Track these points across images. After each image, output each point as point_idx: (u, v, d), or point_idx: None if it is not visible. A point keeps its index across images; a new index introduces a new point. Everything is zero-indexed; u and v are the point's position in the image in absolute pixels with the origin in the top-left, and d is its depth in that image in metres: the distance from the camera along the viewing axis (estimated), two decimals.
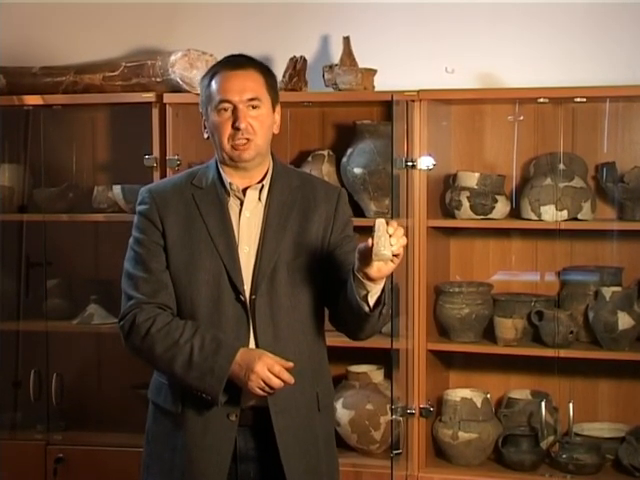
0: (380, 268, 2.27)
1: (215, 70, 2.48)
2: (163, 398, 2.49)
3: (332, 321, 2.54)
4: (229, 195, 2.48)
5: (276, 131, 2.54)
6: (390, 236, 2.23)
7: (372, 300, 2.32)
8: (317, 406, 2.51)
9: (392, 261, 2.26)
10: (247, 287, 2.44)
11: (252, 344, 2.42)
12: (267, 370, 2.32)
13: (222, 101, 2.42)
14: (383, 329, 3.64)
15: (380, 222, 2.23)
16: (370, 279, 2.29)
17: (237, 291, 2.42)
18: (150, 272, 2.44)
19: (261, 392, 2.34)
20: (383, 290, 2.33)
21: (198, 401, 2.40)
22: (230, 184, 2.47)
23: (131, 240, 2.51)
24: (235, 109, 2.42)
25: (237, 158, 2.45)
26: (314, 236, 2.50)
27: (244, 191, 2.48)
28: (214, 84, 2.45)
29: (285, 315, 2.45)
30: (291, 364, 2.35)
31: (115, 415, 3.99)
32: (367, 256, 2.25)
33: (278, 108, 2.54)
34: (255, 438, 2.45)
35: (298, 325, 2.48)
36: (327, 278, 2.49)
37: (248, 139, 2.43)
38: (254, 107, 2.43)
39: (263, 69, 2.50)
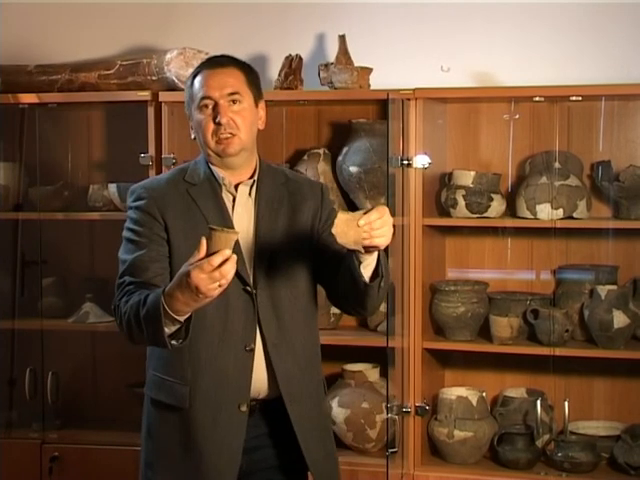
0: (356, 241, 2.25)
1: (197, 71, 2.53)
2: (165, 394, 2.48)
3: (331, 299, 2.58)
4: (221, 190, 2.51)
5: (261, 127, 2.57)
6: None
7: (366, 271, 2.33)
8: (324, 391, 2.61)
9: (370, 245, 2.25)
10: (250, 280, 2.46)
11: (258, 336, 2.45)
12: (202, 272, 2.12)
13: (203, 98, 2.46)
14: (379, 327, 3.67)
15: (339, 217, 2.23)
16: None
17: (244, 282, 2.44)
18: (147, 256, 2.41)
19: (218, 289, 2.17)
20: (379, 263, 2.34)
21: (206, 395, 2.42)
22: (223, 179, 2.50)
23: (127, 234, 2.49)
24: (216, 105, 2.45)
25: (222, 153, 2.47)
26: (304, 226, 2.54)
27: (236, 187, 2.51)
28: (196, 83, 2.50)
29: (287, 307, 2.49)
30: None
31: (110, 413, 3.99)
32: None
33: (262, 104, 2.56)
34: (269, 427, 2.50)
35: (300, 315, 2.52)
36: (319, 261, 2.53)
37: (232, 133, 2.45)
38: (235, 102, 2.46)
39: (244, 66, 2.54)
